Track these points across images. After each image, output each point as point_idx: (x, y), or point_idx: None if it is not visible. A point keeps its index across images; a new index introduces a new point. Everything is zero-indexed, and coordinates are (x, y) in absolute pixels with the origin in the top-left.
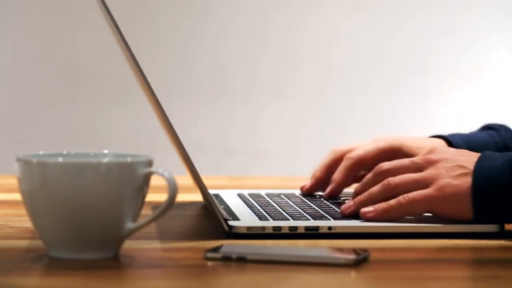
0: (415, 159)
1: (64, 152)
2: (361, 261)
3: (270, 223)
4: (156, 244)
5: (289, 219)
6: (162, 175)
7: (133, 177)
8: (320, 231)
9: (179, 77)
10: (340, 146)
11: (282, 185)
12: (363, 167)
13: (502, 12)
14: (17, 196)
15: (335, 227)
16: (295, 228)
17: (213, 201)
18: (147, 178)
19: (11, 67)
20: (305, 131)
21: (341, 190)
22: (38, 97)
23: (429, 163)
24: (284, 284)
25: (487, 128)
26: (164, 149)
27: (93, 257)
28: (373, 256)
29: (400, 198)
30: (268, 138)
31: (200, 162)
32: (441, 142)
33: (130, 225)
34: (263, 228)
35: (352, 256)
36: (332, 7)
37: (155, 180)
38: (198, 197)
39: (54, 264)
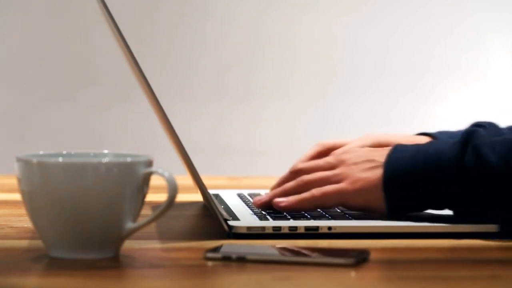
0: (328, 158)
1: (64, 152)
2: (361, 261)
3: (270, 223)
4: (156, 244)
5: (289, 219)
6: (162, 175)
7: (133, 177)
8: (320, 231)
9: (179, 77)
10: (325, 140)
11: None
12: None
13: (502, 12)
14: (17, 196)
15: (335, 227)
16: (295, 228)
17: (213, 201)
18: (147, 178)
19: (11, 67)
20: (305, 131)
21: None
22: (38, 97)
23: (341, 162)
24: (284, 284)
25: (476, 126)
26: (164, 149)
27: (93, 257)
28: (373, 256)
29: (313, 190)
30: (268, 138)
31: (200, 162)
32: (427, 140)
33: (130, 225)
34: (263, 228)
35: (352, 256)
36: (331, 7)
37: (155, 180)
38: (198, 197)
39: (54, 264)
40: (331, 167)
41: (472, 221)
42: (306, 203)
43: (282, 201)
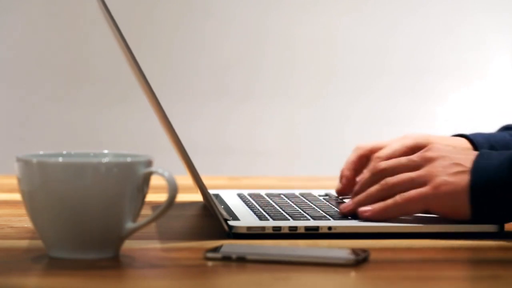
0: (412, 157)
1: (64, 152)
2: (361, 261)
3: (270, 223)
4: (156, 244)
5: (289, 219)
6: (162, 175)
7: (133, 177)
8: (320, 231)
9: (179, 77)
10: (364, 143)
11: (282, 185)
12: None
13: (503, 12)
14: (17, 196)
15: (335, 227)
16: (295, 228)
17: (213, 201)
18: (147, 178)
19: (11, 67)
20: (305, 131)
21: None
22: (38, 97)
23: (426, 161)
24: (284, 284)
25: (507, 128)
26: (164, 149)
27: (93, 257)
28: (373, 256)
29: (397, 197)
30: (268, 138)
31: (200, 162)
32: (465, 141)
33: (130, 225)
34: (263, 228)
35: (352, 256)
36: (331, 7)
37: (155, 180)
38: (198, 197)
39: (54, 264)
40: (415, 166)
41: (472, 221)
42: (390, 212)
43: (367, 210)
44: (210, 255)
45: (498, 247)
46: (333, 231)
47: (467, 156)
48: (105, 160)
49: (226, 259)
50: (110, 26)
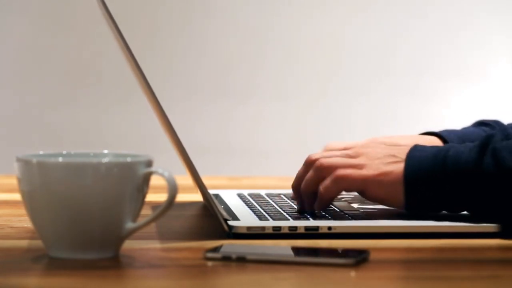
0: (347, 151)
1: (64, 152)
2: (361, 261)
3: (270, 223)
4: (156, 244)
5: (289, 219)
6: (162, 175)
7: (133, 177)
8: (320, 231)
9: (180, 77)
10: (334, 142)
11: (282, 185)
12: None
13: (505, 13)
14: (17, 196)
15: (335, 227)
16: (295, 228)
17: (213, 201)
18: (147, 178)
19: (11, 67)
20: (306, 132)
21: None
22: (37, 97)
23: (361, 154)
24: (284, 284)
25: (481, 124)
26: (164, 149)
27: (93, 257)
28: (373, 256)
29: (337, 171)
30: (269, 139)
31: (200, 162)
32: (435, 139)
33: (130, 225)
34: (263, 228)
35: (352, 256)
36: (334, 7)
37: (155, 180)
38: (198, 197)
39: (54, 264)
40: (350, 158)
41: (472, 221)
42: (332, 189)
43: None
44: (210, 255)
45: (498, 247)
46: (333, 231)
47: (401, 149)
48: (105, 160)
49: (226, 259)
50: (111, 27)
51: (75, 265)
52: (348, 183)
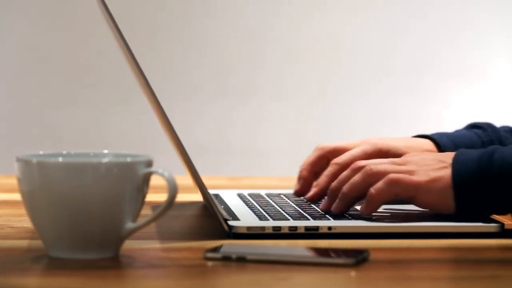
0: (393, 159)
1: (64, 152)
2: (361, 261)
3: (270, 223)
4: (156, 244)
5: (289, 219)
6: (162, 175)
7: (133, 177)
8: (320, 231)
9: (180, 77)
10: (325, 143)
11: (282, 185)
12: None
13: (505, 13)
14: (17, 196)
15: (335, 227)
16: (295, 228)
17: (213, 201)
18: (147, 178)
19: (11, 66)
20: (306, 132)
21: (324, 195)
22: (37, 97)
23: (409, 161)
24: (284, 284)
25: (473, 126)
26: (164, 149)
27: (93, 257)
28: (373, 256)
29: (389, 176)
30: (269, 139)
31: (200, 162)
32: (427, 142)
33: (130, 225)
34: (263, 228)
35: (352, 256)
36: (334, 7)
37: (155, 180)
38: (198, 197)
39: (54, 264)
40: (399, 165)
41: (472, 221)
42: (384, 193)
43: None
44: (210, 255)
45: (498, 247)
46: (333, 231)
47: (447, 155)
48: (105, 160)
49: (226, 259)
50: (111, 27)
51: (75, 265)
52: (401, 188)
